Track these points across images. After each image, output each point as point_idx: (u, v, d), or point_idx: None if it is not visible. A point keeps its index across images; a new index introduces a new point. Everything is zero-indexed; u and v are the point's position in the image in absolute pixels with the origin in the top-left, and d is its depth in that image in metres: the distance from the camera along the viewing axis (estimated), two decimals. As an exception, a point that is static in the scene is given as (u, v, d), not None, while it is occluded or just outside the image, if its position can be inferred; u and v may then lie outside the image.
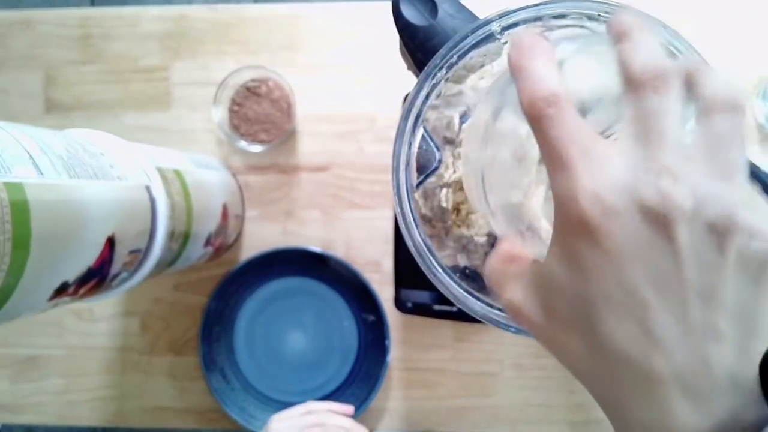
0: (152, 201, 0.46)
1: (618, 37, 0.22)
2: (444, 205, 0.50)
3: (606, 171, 0.19)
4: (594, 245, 0.19)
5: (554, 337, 0.22)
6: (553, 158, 0.20)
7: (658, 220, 0.18)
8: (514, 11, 0.37)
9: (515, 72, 0.22)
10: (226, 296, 0.70)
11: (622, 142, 0.20)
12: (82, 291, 0.40)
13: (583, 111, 0.25)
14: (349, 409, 0.64)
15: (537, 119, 0.20)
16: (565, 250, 0.21)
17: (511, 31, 0.38)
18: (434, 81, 0.39)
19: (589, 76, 0.25)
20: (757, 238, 0.18)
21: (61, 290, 0.37)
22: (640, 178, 0.19)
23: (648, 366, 0.19)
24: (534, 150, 0.24)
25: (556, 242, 0.21)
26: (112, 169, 0.43)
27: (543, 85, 0.20)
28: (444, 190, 0.50)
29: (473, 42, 0.38)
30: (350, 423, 0.62)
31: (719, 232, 0.18)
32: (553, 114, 0.20)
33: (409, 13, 0.43)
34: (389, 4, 0.44)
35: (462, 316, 0.64)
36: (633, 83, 0.20)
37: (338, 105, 0.70)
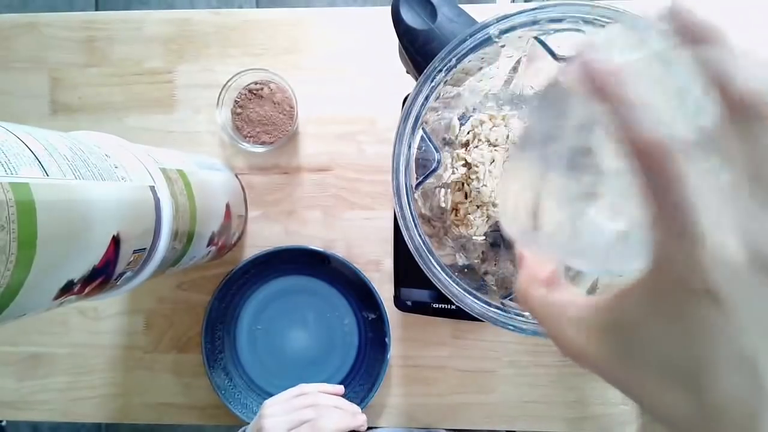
0: (156, 201, 0.47)
1: (698, 38, 0.18)
2: (443, 205, 0.51)
3: (728, 230, 0.17)
4: (714, 310, 0.18)
5: (634, 384, 0.21)
6: (670, 219, 0.18)
7: None
8: (512, 15, 0.38)
9: (612, 100, 0.18)
10: (229, 295, 0.71)
11: (737, 186, 0.17)
12: (87, 290, 0.41)
13: None
14: (340, 389, 0.65)
15: (654, 169, 0.17)
16: (670, 310, 0.19)
17: (508, 34, 0.39)
18: (433, 83, 0.39)
19: (659, 92, 0.19)
20: None
21: (67, 289, 0.38)
22: (762, 234, 0.17)
23: (756, 419, 0.18)
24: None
25: (656, 300, 0.20)
26: (116, 169, 0.43)
27: (657, 128, 0.17)
28: (443, 191, 0.51)
29: (471, 45, 0.39)
30: (342, 402, 0.63)
31: None
32: (675, 167, 0.17)
33: (409, 17, 0.43)
34: (389, 9, 0.44)
35: (460, 314, 0.64)
36: (740, 109, 0.17)
37: (339, 107, 0.71)
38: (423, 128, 0.39)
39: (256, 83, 0.69)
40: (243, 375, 0.71)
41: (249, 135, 0.69)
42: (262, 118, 0.68)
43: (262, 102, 0.69)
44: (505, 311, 0.39)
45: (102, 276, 0.41)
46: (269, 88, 0.69)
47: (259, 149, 0.69)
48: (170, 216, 0.48)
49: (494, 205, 0.49)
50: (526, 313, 0.39)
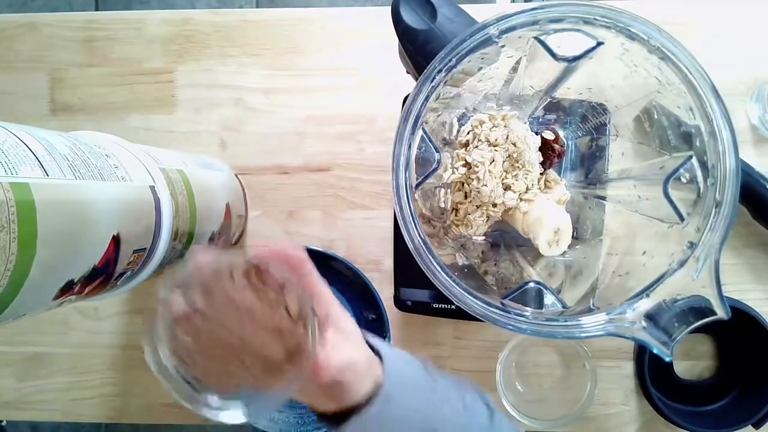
0: (156, 201, 0.47)
1: None
2: (443, 205, 0.51)
3: None
4: None
5: None
6: None
7: None
8: (512, 15, 0.38)
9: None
10: (229, 295, 0.71)
11: None
12: (87, 290, 0.41)
13: None
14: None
15: None
16: None
17: (508, 34, 0.39)
18: (433, 84, 0.39)
19: None
20: None
21: (67, 289, 0.38)
22: None
23: None
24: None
25: None
26: (116, 170, 0.43)
27: None
28: (443, 191, 0.51)
29: (471, 45, 0.38)
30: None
31: None
32: None
33: (409, 17, 0.43)
34: (389, 9, 0.44)
35: (460, 314, 0.64)
36: None
37: (339, 106, 0.71)
38: (423, 128, 0.39)
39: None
40: (243, 375, 0.71)
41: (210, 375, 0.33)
42: (235, 340, 0.32)
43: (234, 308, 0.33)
44: (505, 311, 0.39)
45: (102, 276, 0.41)
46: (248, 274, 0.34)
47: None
48: (170, 216, 0.48)
49: (494, 205, 0.49)
50: (526, 313, 0.39)
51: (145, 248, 0.46)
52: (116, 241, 0.41)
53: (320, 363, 0.34)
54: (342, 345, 0.36)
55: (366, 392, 0.36)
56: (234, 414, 0.32)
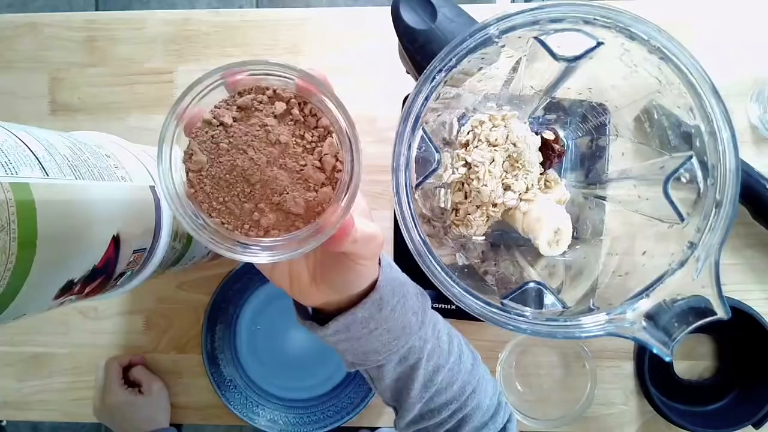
0: (156, 201, 0.47)
1: None
2: (443, 205, 0.51)
3: None
4: None
5: None
6: None
7: None
8: (512, 15, 0.38)
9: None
10: (229, 295, 0.71)
11: None
12: (87, 290, 0.41)
13: None
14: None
15: None
16: None
17: (508, 34, 0.39)
18: (433, 84, 0.39)
19: None
20: None
21: (67, 289, 0.38)
22: None
23: None
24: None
25: None
26: (116, 170, 0.43)
27: None
28: (443, 191, 0.51)
29: (471, 45, 0.38)
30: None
31: None
32: None
33: (409, 17, 0.43)
34: (389, 9, 0.44)
35: (460, 314, 0.64)
36: None
37: (339, 106, 0.71)
38: (423, 128, 0.39)
39: (261, 91, 0.29)
40: (242, 375, 0.71)
41: (217, 209, 0.29)
42: (254, 174, 0.29)
43: (264, 135, 0.29)
44: (505, 311, 0.39)
45: (102, 276, 0.41)
46: (290, 104, 0.30)
47: (250, 256, 0.29)
48: (170, 216, 0.48)
49: (494, 205, 0.49)
50: (526, 313, 0.39)
51: (145, 248, 0.46)
52: (116, 241, 0.41)
53: (348, 225, 0.31)
54: (368, 220, 0.35)
55: (365, 288, 0.37)
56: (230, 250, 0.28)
